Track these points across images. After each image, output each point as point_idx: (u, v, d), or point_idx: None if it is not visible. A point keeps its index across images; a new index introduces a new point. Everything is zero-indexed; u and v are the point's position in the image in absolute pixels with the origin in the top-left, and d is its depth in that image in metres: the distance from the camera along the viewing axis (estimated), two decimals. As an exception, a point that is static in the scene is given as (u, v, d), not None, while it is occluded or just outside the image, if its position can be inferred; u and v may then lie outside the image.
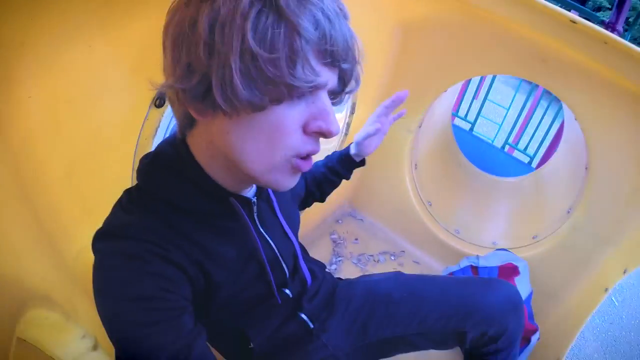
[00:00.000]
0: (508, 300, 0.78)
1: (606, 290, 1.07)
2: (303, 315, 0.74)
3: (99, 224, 0.47)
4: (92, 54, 0.59)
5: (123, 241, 0.44)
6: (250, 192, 0.58)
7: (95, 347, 0.68)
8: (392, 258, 1.54)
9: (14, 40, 0.48)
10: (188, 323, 0.46)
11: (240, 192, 0.56)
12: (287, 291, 0.67)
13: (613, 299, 2.23)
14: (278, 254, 0.64)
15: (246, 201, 0.56)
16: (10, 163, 0.54)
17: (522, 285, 1.26)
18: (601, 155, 1.12)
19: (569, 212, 1.29)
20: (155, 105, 0.74)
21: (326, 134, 0.45)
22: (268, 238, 0.62)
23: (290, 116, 0.43)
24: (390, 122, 0.82)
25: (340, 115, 1.37)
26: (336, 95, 0.48)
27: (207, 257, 0.50)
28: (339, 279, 0.89)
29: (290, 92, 0.40)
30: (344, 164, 0.85)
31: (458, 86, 1.77)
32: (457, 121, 3.10)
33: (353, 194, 1.66)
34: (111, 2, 0.58)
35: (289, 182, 0.48)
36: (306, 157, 0.47)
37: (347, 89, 0.48)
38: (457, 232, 1.52)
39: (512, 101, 3.08)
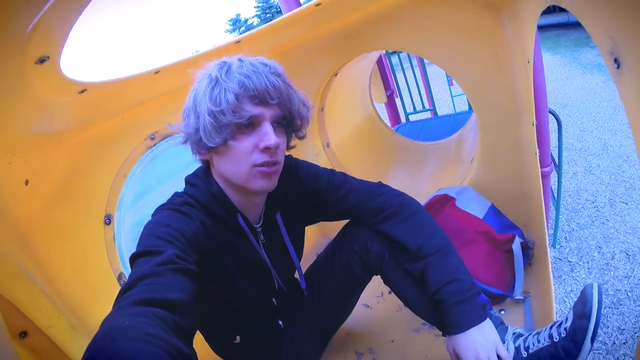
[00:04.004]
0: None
1: (534, 124, 1.08)
2: (280, 322, 0.91)
3: None
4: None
5: (171, 206, 0.66)
6: (258, 223, 0.78)
7: None
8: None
9: None
10: (187, 277, 0.54)
11: (249, 215, 0.75)
12: (274, 300, 0.87)
13: None
14: (273, 271, 0.81)
15: (253, 227, 0.76)
16: None
17: (473, 206, 1.25)
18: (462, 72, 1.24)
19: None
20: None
21: (269, 148, 0.64)
22: (267, 259, 0.79)
23: (244, 144, 0.64)
24: None
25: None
26: (286, 122, 0.69)
27: (215, 251, 0.68)
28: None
29: (238, 129, 0.63)
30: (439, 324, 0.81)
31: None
32: (416, 116, 3.24)
33: (321, 225, 1.78)
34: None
35: (261, 184, 0.67)
36: (262, 164, 0.65)
37: (295, 117, 0.69)
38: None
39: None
